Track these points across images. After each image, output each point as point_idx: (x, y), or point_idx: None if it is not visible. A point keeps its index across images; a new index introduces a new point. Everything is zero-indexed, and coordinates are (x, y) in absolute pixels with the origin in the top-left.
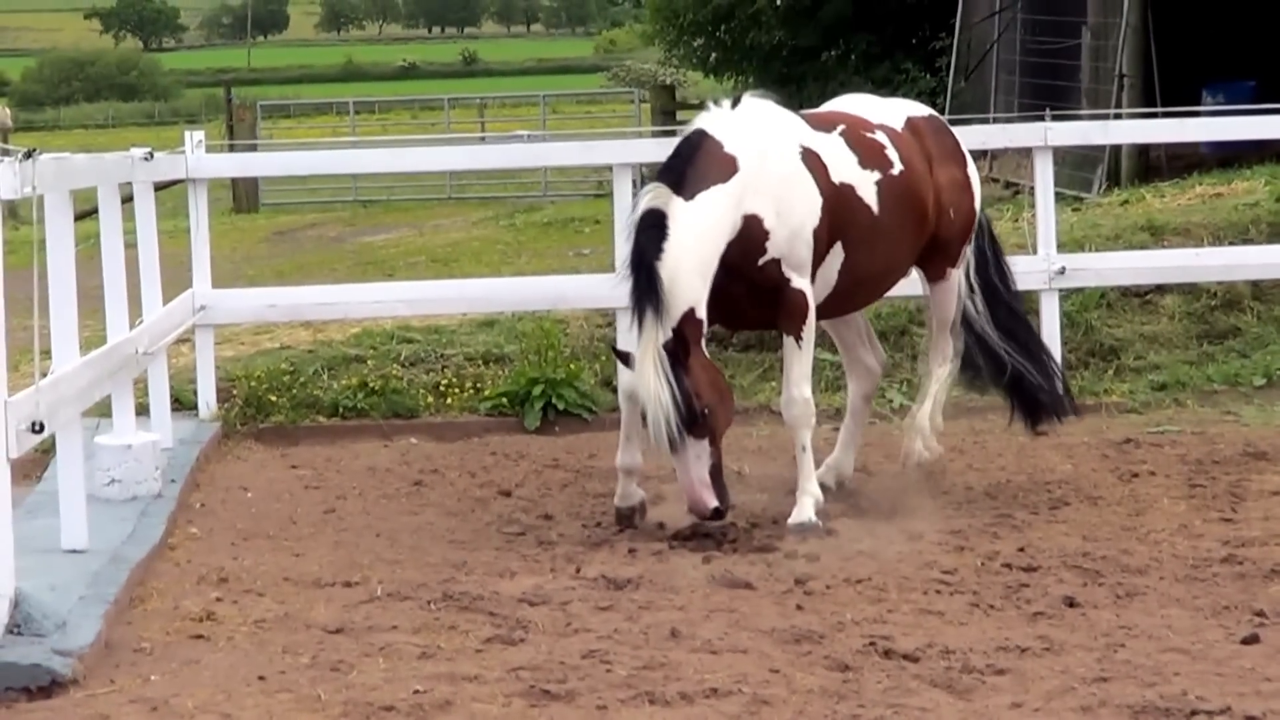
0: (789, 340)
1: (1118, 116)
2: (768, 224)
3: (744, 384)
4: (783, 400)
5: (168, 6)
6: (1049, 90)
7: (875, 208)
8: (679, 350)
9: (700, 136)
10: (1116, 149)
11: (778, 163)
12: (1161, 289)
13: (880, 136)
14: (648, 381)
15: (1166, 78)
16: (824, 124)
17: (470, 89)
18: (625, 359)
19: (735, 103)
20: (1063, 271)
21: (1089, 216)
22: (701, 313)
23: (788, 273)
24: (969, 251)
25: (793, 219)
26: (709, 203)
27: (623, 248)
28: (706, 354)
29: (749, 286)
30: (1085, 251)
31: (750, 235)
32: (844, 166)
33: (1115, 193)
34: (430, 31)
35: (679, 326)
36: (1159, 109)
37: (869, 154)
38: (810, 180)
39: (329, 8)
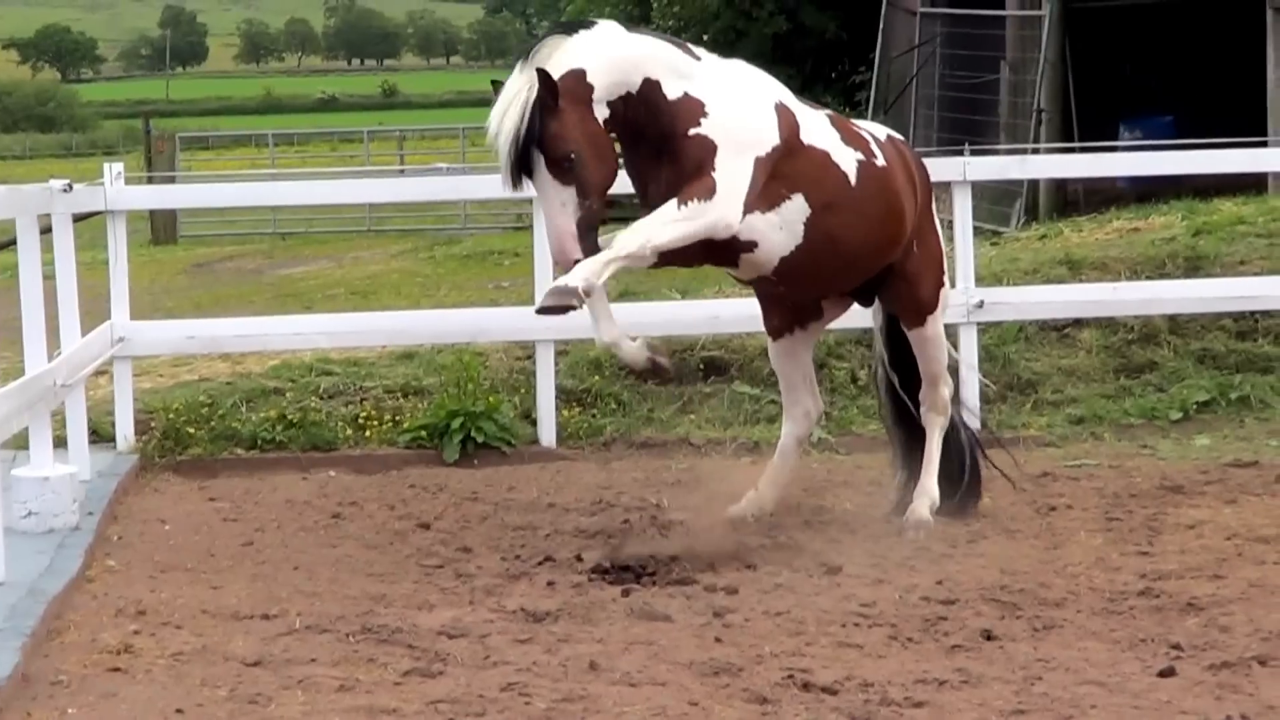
0: (672, 202)
1: (1036, 151)
2: (709, 112)
3: (663, 417)
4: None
5: (86, 37)
6: (968, 125)
7: (853, 179)
8: (549, 96)
9: (676, 42)
10: (1035, 184)
11: (741, 91)
12: (1079, 323)
13: (865, 135)
14: (500, 107)
15: (1085, 113)
16: (812, 106)
17: (390, 121)
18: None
19: None
20: (981, 305)
21: (1007, 251)
22: (596, 85)
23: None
24: (946, 297)
25: (737, 133)
26: (646, 50)
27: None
28: (600, 124)
29: (673, 170)
30: (1003, 285)
31: (686, 111)
32: (822, 136)
33: (1033, 227)
34: (350, 64)
35: (561, 79)
36: (1077, 144)
37: (853, 138)
38: (772, 119)
39: (248, 39)
